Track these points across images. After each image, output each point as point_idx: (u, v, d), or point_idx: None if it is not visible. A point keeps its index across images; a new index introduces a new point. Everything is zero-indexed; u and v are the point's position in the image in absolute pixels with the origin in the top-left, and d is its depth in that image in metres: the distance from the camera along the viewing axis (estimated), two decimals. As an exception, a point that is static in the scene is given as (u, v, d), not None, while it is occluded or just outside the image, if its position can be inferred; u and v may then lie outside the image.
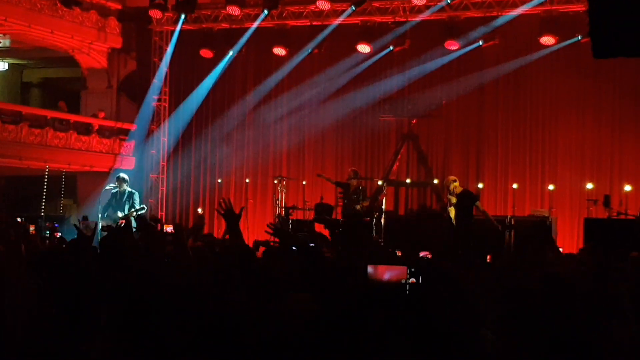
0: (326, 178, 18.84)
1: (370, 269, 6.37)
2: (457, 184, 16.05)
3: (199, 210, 22.71)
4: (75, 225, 5.74)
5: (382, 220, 17.52)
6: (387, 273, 6.27)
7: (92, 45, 23.14)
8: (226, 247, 5.54)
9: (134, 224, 16.64)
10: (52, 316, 4.17)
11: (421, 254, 13.27)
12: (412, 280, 6.14)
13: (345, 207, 17.76)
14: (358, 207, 17.45)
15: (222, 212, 5.28)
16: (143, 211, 17.41)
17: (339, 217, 18.00)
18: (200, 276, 5.36)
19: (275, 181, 19.98)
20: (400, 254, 10.65)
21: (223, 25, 22.03)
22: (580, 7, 17.95)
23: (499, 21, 19.34)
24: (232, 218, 5.26)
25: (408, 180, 20.56)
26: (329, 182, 18.80)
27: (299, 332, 3.94)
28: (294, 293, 4.26)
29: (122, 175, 17.45)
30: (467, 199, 15.81)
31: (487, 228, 15.77)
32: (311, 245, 5.35)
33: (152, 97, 23.10)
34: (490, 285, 5.58)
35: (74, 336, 3.92)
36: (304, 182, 20.92)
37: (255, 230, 18.98)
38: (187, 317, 4.22)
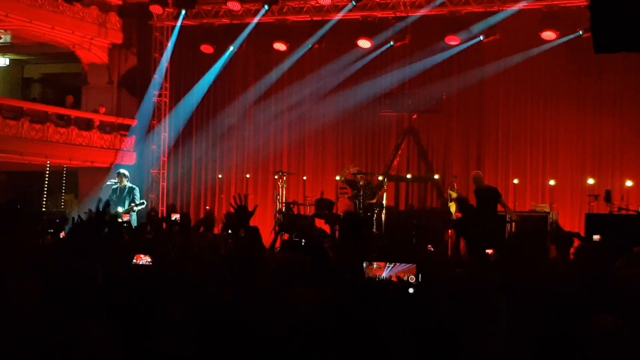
0: (344, 180, 18.69)
1: (367, 264, 6.33)
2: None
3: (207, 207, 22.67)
4: (77, 217, 5.72)
5: (383, 215, 17.56)
6: (390, 270, 6.25)
7: (92, 40, 23.12)
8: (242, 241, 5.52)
9: (134, 218, 16.78)
10: (53, 312, 4.17)
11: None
12: (412, 278, 6.11)
13: (363, 202, 17.67)
14: (374, 200, 17.50)
15: (235, 207, 5.29)
16: (143, 206, 17.46)
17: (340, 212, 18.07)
18: (203, 269, 5.37)
19: (276, 176, 19.99)
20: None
21: (223, 20, 22.01)
22: (582, 2, 17.94)
23: (500, 16, 19.32)
24: (244, 215, 5.27)
25: (409, 176, 20.58)
26: (345, 183, 18.67)
27: (300, 327, 3.95)
28: (299, 287, 4.26)
29: (123, 170, 17.51)
30: (495, 195, 15.69)
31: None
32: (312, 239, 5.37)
33: (152, 93, 23.10)
34: (492, 282, 5.57)
35: (75, 332, 3.91)
36: (304, 178, 20.94)
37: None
38: (189, 311, 4.22)
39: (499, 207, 15.68)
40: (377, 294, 4.26)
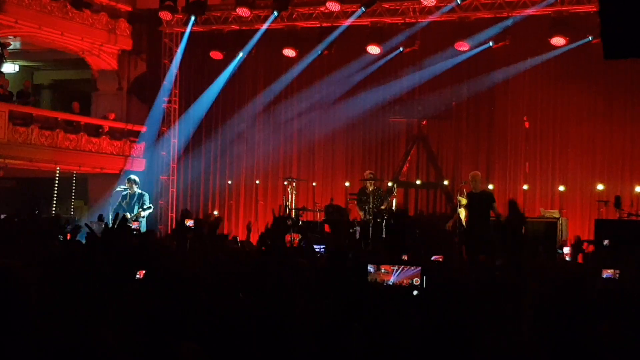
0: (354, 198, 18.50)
1: (374, 269, 6.32)
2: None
3: (215, 212, 22.63)
4: (86, 224, 5.76)
5: (392, 221, 17.51)
6: (398, 275, 6.24)
7: (102, 47, 23.20)
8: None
9: (143, 224, 16.79)
10: (63, 315, 4.18)
11: (433, 258, 13.21)
12: (417, 280, 6.10)
13: (372, 208, 17.60)
14: (384, 206, 17.43)
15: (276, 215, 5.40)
16: (150, 210, 17.46)
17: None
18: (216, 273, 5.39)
19: (285, 182, 19.98)
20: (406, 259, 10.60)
21: (233, 26, 22.05)
22: (591, 8, 17.88)
23: (510, 22, 19.30)
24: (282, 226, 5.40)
25: (418, 182, 20.56)
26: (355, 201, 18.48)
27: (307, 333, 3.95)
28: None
29: (133, 177, 17.53)
30: (488, 200, 15.47)
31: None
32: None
33: (162, 99, 23.15)
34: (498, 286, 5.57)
35: (84, 336, 3.92)
36: (314, 184, 20.94)
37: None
38: (198, 313, 4.22)
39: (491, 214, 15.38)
40: (382, 297, 4.27)
